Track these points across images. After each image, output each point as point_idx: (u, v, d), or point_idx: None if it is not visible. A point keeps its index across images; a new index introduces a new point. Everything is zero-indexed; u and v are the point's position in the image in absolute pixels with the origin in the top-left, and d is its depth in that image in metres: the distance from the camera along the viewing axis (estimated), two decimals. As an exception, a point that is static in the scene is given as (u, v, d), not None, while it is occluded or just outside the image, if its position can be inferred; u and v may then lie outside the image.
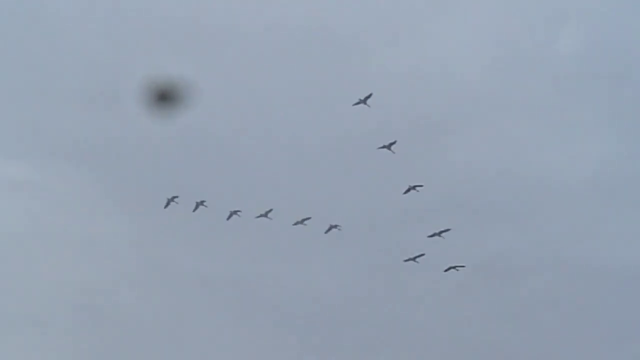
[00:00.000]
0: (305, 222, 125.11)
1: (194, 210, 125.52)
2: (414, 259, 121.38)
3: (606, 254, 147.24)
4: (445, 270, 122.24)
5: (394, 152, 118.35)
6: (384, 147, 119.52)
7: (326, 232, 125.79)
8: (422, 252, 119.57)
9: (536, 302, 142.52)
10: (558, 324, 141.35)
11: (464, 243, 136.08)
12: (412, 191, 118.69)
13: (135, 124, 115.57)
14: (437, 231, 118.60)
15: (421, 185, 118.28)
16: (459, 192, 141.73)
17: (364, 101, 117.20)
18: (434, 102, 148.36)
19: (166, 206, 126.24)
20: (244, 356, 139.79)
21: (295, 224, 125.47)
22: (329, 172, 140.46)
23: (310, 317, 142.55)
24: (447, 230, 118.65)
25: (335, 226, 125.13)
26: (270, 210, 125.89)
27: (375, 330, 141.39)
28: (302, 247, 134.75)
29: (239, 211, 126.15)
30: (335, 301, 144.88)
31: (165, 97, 61.85)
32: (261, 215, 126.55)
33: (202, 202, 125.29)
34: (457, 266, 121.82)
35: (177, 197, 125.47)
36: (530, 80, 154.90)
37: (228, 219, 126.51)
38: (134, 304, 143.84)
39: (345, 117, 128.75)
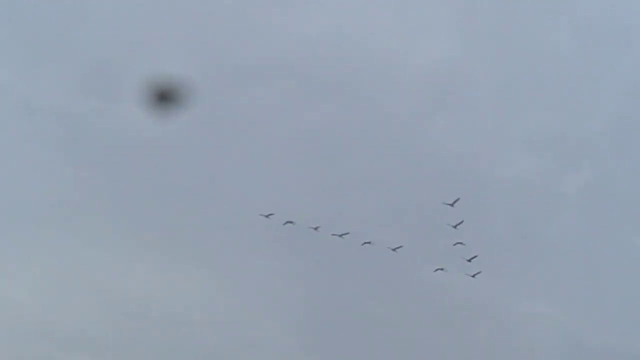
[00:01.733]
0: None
1: (284, 224, 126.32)
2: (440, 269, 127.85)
3: (434, 150, 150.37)
4: None
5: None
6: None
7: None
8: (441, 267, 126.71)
9: (355, 176, 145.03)
10: (372, 198, 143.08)
11: (291, 112, 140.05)
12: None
13: (134, 124, 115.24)
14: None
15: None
16: (298, 60, 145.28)
17: (451, 204, 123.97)
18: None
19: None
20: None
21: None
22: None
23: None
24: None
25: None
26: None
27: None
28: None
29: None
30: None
31: (165, 97, 59.65)
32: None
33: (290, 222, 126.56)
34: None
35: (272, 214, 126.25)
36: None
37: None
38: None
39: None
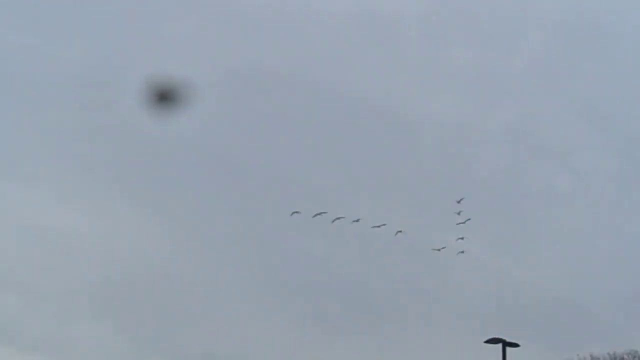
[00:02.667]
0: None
1: (313, 216, 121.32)
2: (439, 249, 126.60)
3: (361, 86, 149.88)
4: None
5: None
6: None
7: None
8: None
9: (279, 116, 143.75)
10: (291, 138, 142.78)
11: (214, 48, 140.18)
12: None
13: (134, 124, 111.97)
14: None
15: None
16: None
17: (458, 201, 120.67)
18: None
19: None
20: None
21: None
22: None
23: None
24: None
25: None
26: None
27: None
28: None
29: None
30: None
31: (165, 97, 58.92)
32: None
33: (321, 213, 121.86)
34: None
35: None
36: None
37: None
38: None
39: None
